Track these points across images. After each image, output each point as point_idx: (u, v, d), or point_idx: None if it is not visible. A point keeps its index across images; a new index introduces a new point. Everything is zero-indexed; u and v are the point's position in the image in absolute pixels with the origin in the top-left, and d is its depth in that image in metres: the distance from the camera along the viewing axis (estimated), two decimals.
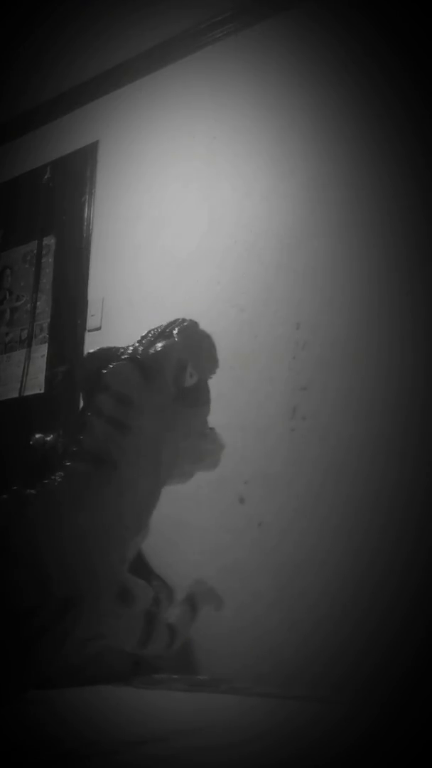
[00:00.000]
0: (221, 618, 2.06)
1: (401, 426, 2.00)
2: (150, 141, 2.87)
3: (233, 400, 2.30)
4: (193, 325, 1.34)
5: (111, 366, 1.25)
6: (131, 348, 1.28)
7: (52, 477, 1.20)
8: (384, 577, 1.91)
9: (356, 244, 2.23)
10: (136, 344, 1.29)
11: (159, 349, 1.26)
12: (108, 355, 1.28)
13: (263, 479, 2.23)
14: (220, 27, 2.74)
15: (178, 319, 1.35)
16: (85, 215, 3.03)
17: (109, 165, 3.02)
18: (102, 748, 1.02)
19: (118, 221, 2.89)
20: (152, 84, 2.95)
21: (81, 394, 1.29)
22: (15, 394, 3.01)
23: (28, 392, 2.98)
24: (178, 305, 2.53)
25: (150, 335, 1.30)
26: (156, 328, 1.32)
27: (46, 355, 2.99)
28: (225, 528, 2.25)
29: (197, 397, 1.30)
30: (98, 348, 1.31)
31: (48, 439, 2.79)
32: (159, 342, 1.28)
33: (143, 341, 1.29)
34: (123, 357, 1.26)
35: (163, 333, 1.30)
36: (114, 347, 1.29)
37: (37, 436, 2.80)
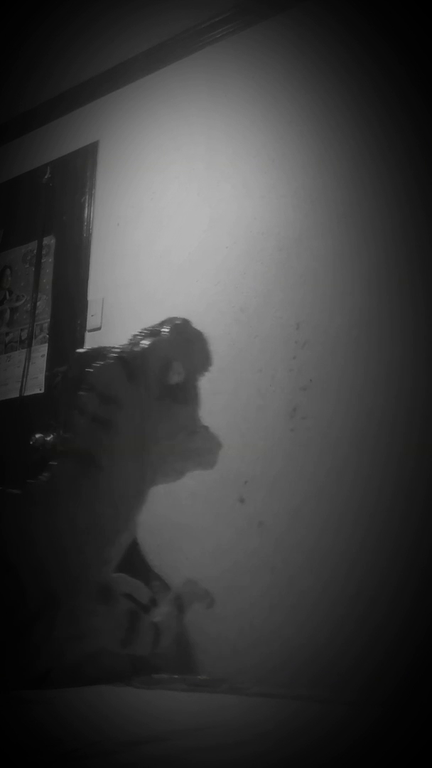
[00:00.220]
0: (222, 618, 2.06)
1: (402, 426, 2.00)
2: (150, 141, 2.87)
3: (233, 400, 2.30)
4: (185, 323, 1.34)
5: (96, 365, 1.25)
6: (119, 347, 1.27)
7: (39, 477, 1.20)
8: (385, 577, 1.91)
9: (356, 244, 2.23)
10: (126, 343, 1.28)
11: (145, 346, 1.26)
12: (96, 354, 1.28)
13: (263, 479, 2.22)
14: (220, 27, 2.74)
15: (171, 317, 1.34)
16: (85, 215, 3.03)
17: (109, 165, 3.01)
18: (102, 748, 1.02)
19: (118, 221, 2.89)
20: (152, 84, 2.95)
21: (67, 393, 1.28)
22: (15, 394, 3.01)
23: (28, 392, 2.98)
24: (178, 305, 2.53)
25: (140, 334, 1.30)
26: (147, 328, 1.31)
27: (46, 355, 2.99)
28: (225, 528, 2.25)
29: (185, 395, 1.29)
30: (88, 348, 1.31)
31: (48, 439, 2.79)
32: (146, 340, 1.27)
33: (132, 340, 1.29)
34: (110, 356, 1.25)
35: (152, 331, 1.30)
36: (103, 347, 1.29)
37: (37, 436, 2.79)
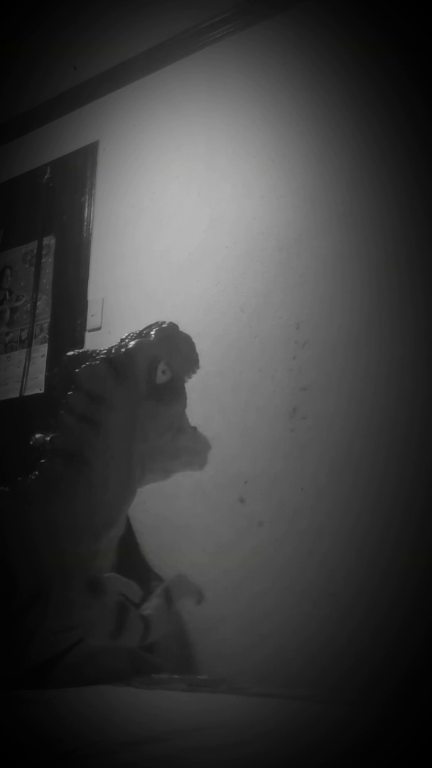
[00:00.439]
0: (222, 618, 2.06)
1: (402, 425, 2.00)
2: (150, 141, 2.87)
3: (233, 401, 2.30)
4: (172, 326, 1.37)
5: (84, 365, 1.28)
6: (106, 349, 1.31)
7: (29, 475, 1.22)
8: (385, 577, 1.91)
9: (356, 245, 2.23)
10: (114, 345, 1.31)
11: (130, 347, 1.29)
12: (84, 356, 1.32)
13: (263, 479, 2.22)
14: (220, 27, 2.74)
15: (158, 321, 1.37)
16: (85, 215, 3.03)
17: (109, 165, 3.02)
18: (102, 748, 1.02)
19: (118, 221, 2.89)
20: (152, 84, 2.95)
21: (57, 394, 1.31)
22: (15, 394, 3.01)
23: (28, 392, 2.98)
24: (178, 305, 2.53)
25: (127, 337, 1.33)
26: (135, 331, 1.34)
27: (46, 355, 2.99)
28: (225, 528, 2.25)
29: (172, 394, 1.31)
30: (77, 351, 1.35)
31: (48, 439, 2.79)
32: (133, 341, 1.31)
33: (120, 342, 1.32)
34: (97, 358, 1.29)
35: (140, 334, 1.34)
36: (92, 350, 1.33)
37: (37, 436, 2.78)
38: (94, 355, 1.30)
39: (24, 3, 2.72)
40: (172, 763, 0.96)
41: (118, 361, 1.28)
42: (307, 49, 2.48)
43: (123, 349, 1.29)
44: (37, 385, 2.97)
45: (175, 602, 1.30)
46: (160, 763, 0.96)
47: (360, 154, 2.28)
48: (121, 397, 1.26)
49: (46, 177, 3.20)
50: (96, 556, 1.22)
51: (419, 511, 1.91)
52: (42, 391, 2.94)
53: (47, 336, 3.02)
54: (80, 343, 2.85)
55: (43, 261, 3.13)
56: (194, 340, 1.38)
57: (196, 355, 1.37)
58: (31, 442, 1.35)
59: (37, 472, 1.24)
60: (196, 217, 2.64)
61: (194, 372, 1.37)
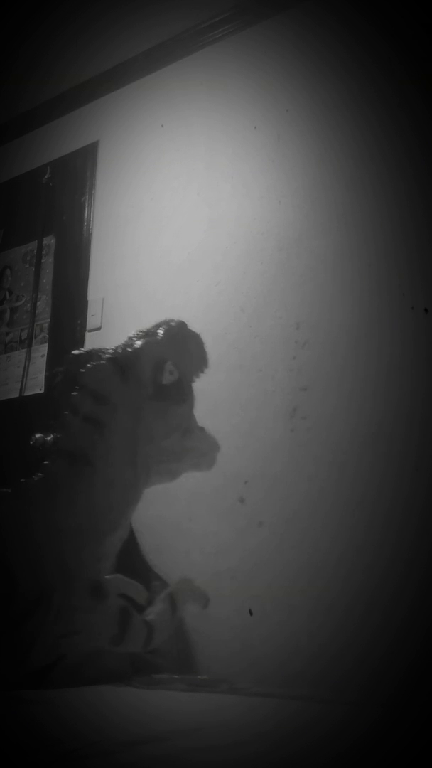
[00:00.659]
0: (221, 618, 2.06)
1: (402, 426, 2.00)
2: (150, 141, 2.87)
3: (233, 401, 2.30)
4: (181, 325, 1.34)
5: (89, 365, 1.26)
6: (112, 348, 1.28)
7: (31, 476, 1.20)
8: (385, 577, 1.91)
9: (356, 245, 2.23)
10: (120, 344, 1.29)
11: (137, 347, 1.26)
12: (89, 356, 1.29)
13: (263, 479, 2.22)
14: (220, 27, 2.74)
15: (166, 319, 1.35)
16: (85, 215, 3.03)
17: (109, 165, 3.01)
18: (102, 748, 1.02)
19: (118, 221, 2.89)
20: (152, 84, 2.95)
21: (61, 394, 1.29)
22: (15, 394, 3.01)
23: (28, 392, 2.98)
24: (178, 305, 2.53)
25: (134, 336, 1.30)
26: (142, 329, 1.32)
27: (46, 355, 2.99)
28: (225, 528, 2.25)
29: (179, 395, 1.29)
30: (82, 350, 1.33)
31: (48, 439, 2.78)
32: (139, 341, 1.27)
33: (126, 342, 1.30)
34: (103, 357, 1.26)
35: (147, 333, 1.30)
36: (98, 349, 1.30)
37: (37, 436, 2.78)
38: (99, 354, 1.28)
39: (24, 3, 2.72)
40: (172, 763, 0.96)
41: (124, 361, 1.25)
42: (307, 49, 2.48)
43: (129, 349, 1.27)
44: (37, 385, 2.97)
45: (180, 608, 1.28)
46: (160, 763, 0.96)
47: (360, 154, 2.28)
48: (127, 397, 1.24)
49: (46, 177, 3.20)
50: (99, 560, 1.21)
51: (419, 511, 1.91)
52: (42, 391, 2.94)
53: (47, 336, 3.02)
54: (80, 343, 2.85)
55: (43, 261, 3.13)
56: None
57: (205, 354, 1.35)
58: (31, 442, 1.34)
59: (40, 474, 1.22)
60: (196, 217, 2.64)
61: (202, 372, 1.35)
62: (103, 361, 1.26)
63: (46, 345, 3.01)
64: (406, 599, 1.85)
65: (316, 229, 2.33)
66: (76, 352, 1.32)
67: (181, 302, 2.54)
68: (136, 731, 1.14)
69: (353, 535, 2.00)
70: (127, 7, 2.71)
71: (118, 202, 2.92)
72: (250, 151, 2.56)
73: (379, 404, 2.05)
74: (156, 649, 1.58)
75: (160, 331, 1.30)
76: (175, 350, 1.30)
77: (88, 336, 2.85)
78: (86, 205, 3.04)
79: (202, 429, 1.32)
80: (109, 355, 1.27)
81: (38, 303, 3.09)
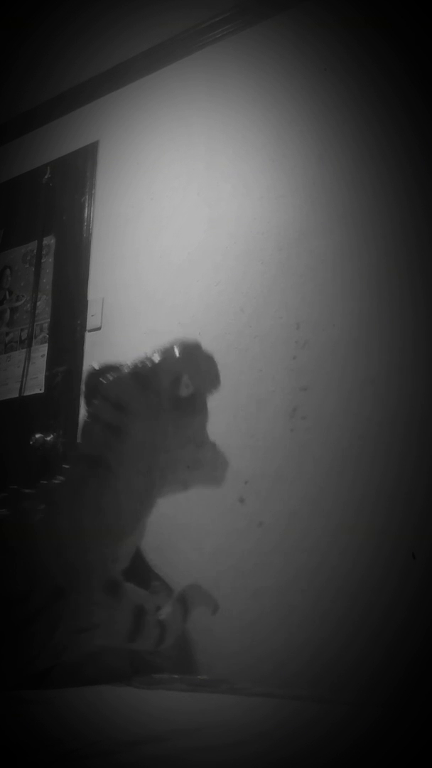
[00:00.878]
0: (222, 618, 2.06)
1: (402, 425, 2.00)
2: (150, 141, 2.87)
3: (233, 400, 2.30)
4: (196, 345, 1.42)
5: (110, 376, 1.34)
6: (131, 362, 1.36)
7: (53, 479, 1.27)
8: (384, 576, 1.91)
9: (356, 245, 2.23)
10: (139, 359, 1.37)
11: (156, 360, 1.34)
12: (109, 368, 1.37)
13: (263, 479, 2.22)
14: (220, 27, 2.74)
15: (180, 338, 1.42)
16: (85, 215, 3.03)
17: (109, 165, 3.02)
18: (102, 748, 1.02)
19: (118, 221, 2.90)
20: (152, 84, 2.95)
21: (84, 403, 1.38)
22: (15, 394, 3.01)
23: (28, 392, 2.98)
24: (178, 305, 2.53)
25: (152, 351, 1.38)
26: (159, 346, 1.39)
27: (45, 355, 2.99)
28: (225, 528, 2.25)
29: (194, 408, 1.36)
30: (102, 364, 1.39)
31: (48, 439, 2.79)
32: (158, 355, 1.36)
33: (145, 356, 1.37)
34: (123, 370, 1.35)
35: (164, 350, 1.38)
36: (118, 362, 1.37)
37: (37, 436, 2.79)
38: (120, 367, 1.35)
39: (24, 3, 2.72)
40: (172, 763, 0.96)
41: (143, 374, 1.32)
42: (307, 49, 2.48)
43: (148, 363, 1.34)
44: (36, 385, 2.97)
45: (191, 611, 1.32)
46: (160, 763, 0.96)
47: (360, 154, 2.28)
48: (146, 407, 1.31)
49: (46, 177, 3.20)
50: (116, 560, 1.26)
51: (419, 511, 1.91)
52: (42, 391, 2.94)
53: (47, 336, 3.02)
54: (80, 343, 2.85)
55: (43, 261, 3.13)
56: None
57: (218, 374, 1.42)
58: (31, 442, 1.36)
59: (62, 477, 1.28)
60: (196, 217, 2.64)
61: (215, 388, 1.41)
62: (124, 373, 1.33)
63: (46, 345, 3.01)
64: (405, 599, 1.85)
65: (316, 228, 2.33)
66: (96, 366, 1.38)
67: (181, 302, 2.54)
68: (136, 731, 1.14)
69: (353, 535, 2.00)
70: (127, 7, 2.71)
71: (118, 202, 2.92)
72: (250, 151, 2.56)
73: (379, 404, 2.05)
74: (158, 649, 1.59)
75: (177, 348, 1.37)
76: (190, 364, 1.38)
77: (88, 336, 2.85)
78: (86, 205, 3.04)
79: (213, 444, 1.38)
80: (129, 368, 1.34)
81: (38, 303, 3.09)
